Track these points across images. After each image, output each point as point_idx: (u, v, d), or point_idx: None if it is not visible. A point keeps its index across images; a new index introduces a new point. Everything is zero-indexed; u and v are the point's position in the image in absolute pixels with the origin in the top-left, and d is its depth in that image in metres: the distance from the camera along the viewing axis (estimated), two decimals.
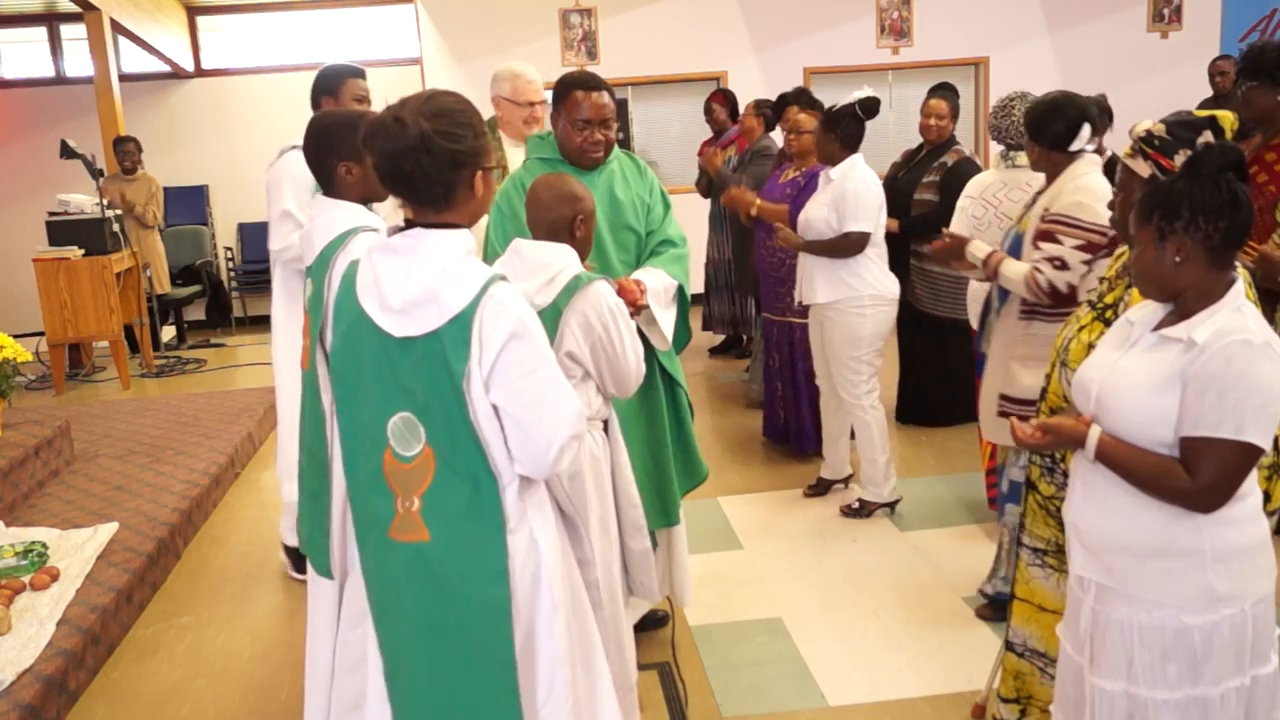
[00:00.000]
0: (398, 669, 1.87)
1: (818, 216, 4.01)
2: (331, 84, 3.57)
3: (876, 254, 3.99)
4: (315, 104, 3.58)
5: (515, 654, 1.79)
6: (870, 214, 3.93)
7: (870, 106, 3.98)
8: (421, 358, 1.73)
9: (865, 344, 3.99)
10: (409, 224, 1.80)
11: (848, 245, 3.93)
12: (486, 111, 3.82)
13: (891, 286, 4.03)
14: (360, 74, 3.63)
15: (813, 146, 4.62)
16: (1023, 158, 3.81)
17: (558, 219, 2.39)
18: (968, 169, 4.88)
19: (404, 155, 1.72)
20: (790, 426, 4.88)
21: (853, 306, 3.97)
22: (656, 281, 2.81)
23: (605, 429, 2.54)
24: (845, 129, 3.98)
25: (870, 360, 4.02)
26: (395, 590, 1.83)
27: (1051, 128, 2.89)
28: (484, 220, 3.49)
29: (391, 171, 1.75)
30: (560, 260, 2.37)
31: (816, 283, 4.03)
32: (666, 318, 2.83)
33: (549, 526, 1.87)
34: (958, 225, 3.89)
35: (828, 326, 4.06)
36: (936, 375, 5.09)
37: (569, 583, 1.92)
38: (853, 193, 3.90)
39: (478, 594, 1.78)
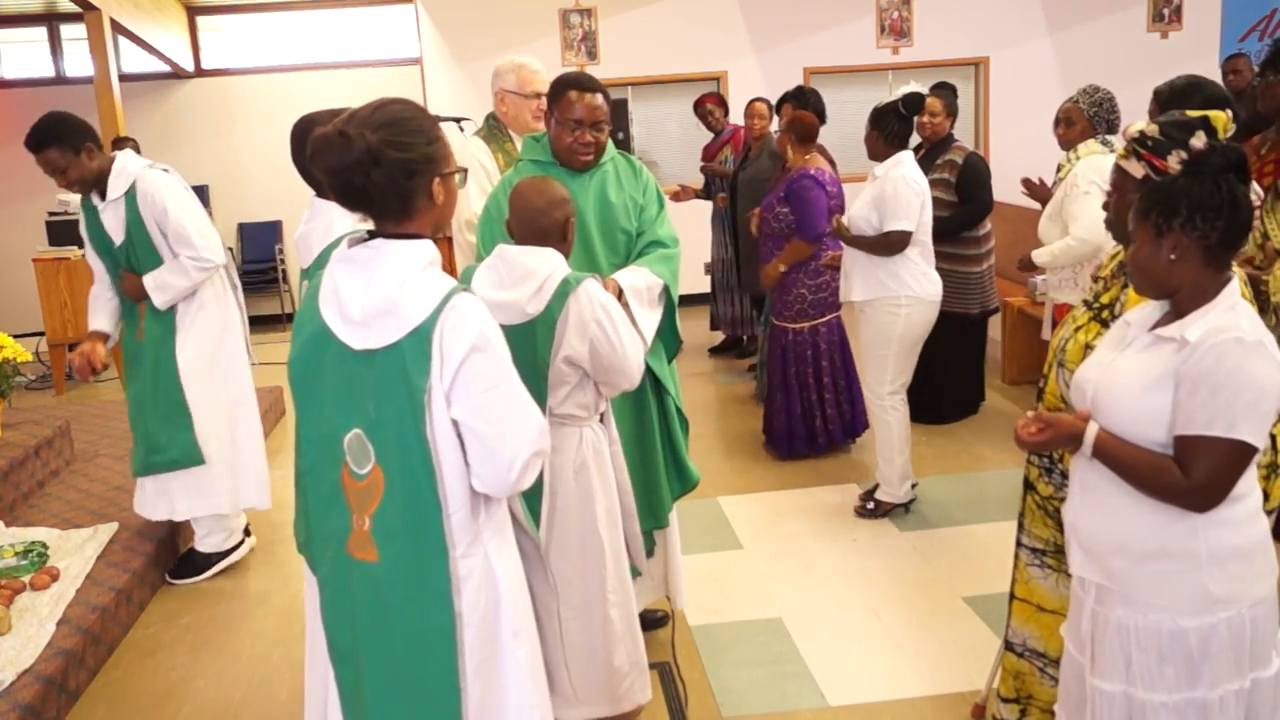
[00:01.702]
0: (347, 677, 1.85)
1: (859, 215, 3.99)
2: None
3: (918, 253, 3.95)
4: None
5: (461, 682, 1.75)
6: (911, 213, 3.89)
7: (913, 102, 3.98)
8: (381, 372, 1.69)
9: (895, 343, 3.96)
10: (371, 235, 1.75)
11: (888, 244, 3.90)
12: (483, 110, 3.77)
13: (930, 287, 3.98)
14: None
15: (782, 147, 4.65)
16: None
17: (552, 223, 2.36)
18: (980, 163, 4.90)
19: (352, 170, 1.66)
20: (780, 429, 4.87)
21: (888, 305, 3.94)
22: (639, 280, 2.78)
23: (601, 420, 2.55)
24: (890, 126, 3.96)
25: (897, 359, 3.99)
26: (351, 604, 1.81)
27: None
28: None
29: (342, 187, 1.69)
30: (547, 265, 2.35)
31: (855, 280, 4.02)
32: (648, 317, 2.79)
33: (507, 551, 1.84)
34: (1090, 208, 3.71)
35: (862, 323, 4.05)
36: (940, 372, 5.09)
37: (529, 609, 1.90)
38: (893, 192, 3.87)
39: (421, 618, 1.74)
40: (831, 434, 4.85)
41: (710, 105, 6.59)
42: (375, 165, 1.66)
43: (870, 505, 4.15)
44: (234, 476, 3.84)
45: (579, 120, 2.76)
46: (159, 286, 3.67)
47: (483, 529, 1.78)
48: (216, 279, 3.81)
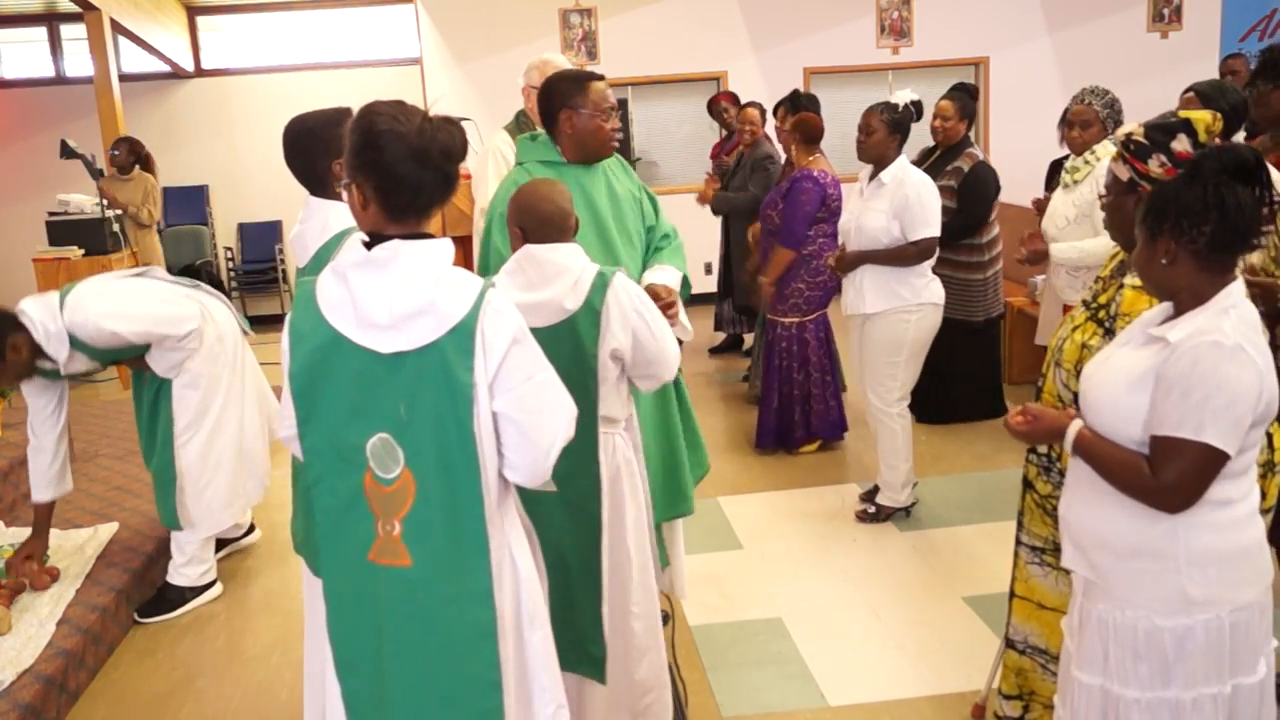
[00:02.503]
0: (360, 690, 1.83)
1: (876, 225, 3.87)
2: None
3: (929, 260, 3.91)
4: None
5: (500, 676, 1.76)
6: (937, 219, 3.86)
7: (920, 109, 3.98)
8: (414, 373, 1.67)
9: (906, 349, 3.92)
10: (375, 237, 1.71)
11: (916, 253, 3.83)
12: (498, 109, 3.82)
13: (938, 291, 3.94)
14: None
15: (786, 146, 4.66)
16: None
17: (573, 222, 2.37)
18: (984, 174, 4.83)
19: (454, 157, 1.71)
20: (766, 425, 4.88)
21: (900, 314, 3.88)
22: (674, 279, 2.82)
23: (625, 425, 2.54)
24: (905, 131, 3.91)
25: (907, 366, 3.96)
26: (372, 613, 1.78)
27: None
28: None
29: (445, 175, 1.70)
30: (578, 261, 2.33)
31: (867, 292, 3.91)
32: (681, 310, 2.84)
33: (523, 541, 1.86)
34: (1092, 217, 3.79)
35: (870, 331, 3.96)
36: (942, 374, 5.09)
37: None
38: (917, 199, 3.81)
39: (462, 617, 1.74)
40: (813, 431, 4.86)
41: (724, 103, 6.57)
42: (460, 155, 1.73)
43: (872, 510, 4.13)
44: (234, 495, 3.76)
45: (612, 107, 2.80)
46: (169, 368, 3.55)
47: (504, 520, 1.80)
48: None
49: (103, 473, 4.73)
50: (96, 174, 6.88)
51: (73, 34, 8.89)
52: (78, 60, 8.97)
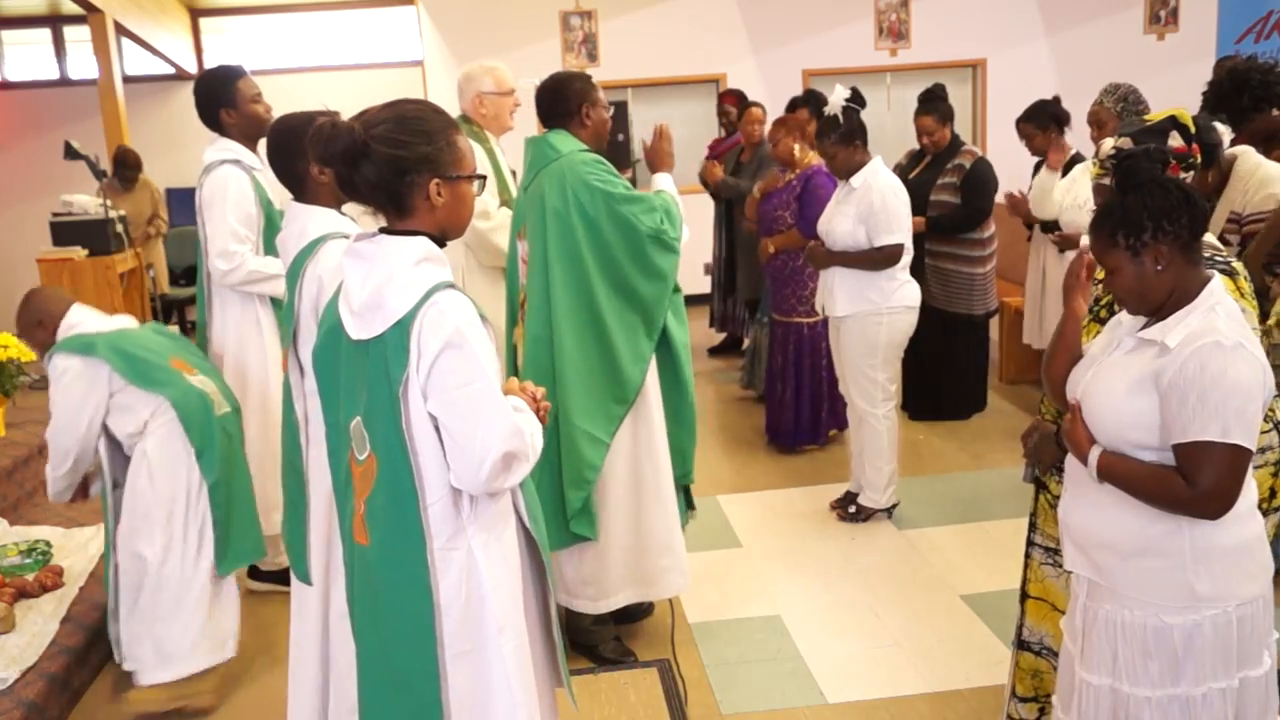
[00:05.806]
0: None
1: (843, 230, 3.90)
2: (223, 92, 3.48)
3: (902, 263, 3.91)
4: (213, 120, 3.50)
5: (440, 670, 1.78)
6: (903, 225, 3.86)
7: (860, 96, 3.98)
8: (371, 362, 1.75)
9: (881, 352, 3.93)
10: (382, 230, 1.81)
11: (881, 259, 3.85)
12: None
13: (912, 293, 3.95)
14: (244, 73, 3.55)
15: (788, 152, 4.67)
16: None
17: None
18: (985, 169, 4.90)
19: (337, 161, 1.73)
20: (787, 424, 4.91)
21: (869, 316, 3.90)
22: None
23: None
24: (861, 131, 3.91)
25: (885, 367, 3.97)
26: (351, 584, 1.91)
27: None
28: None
29: (336, 178, 1.77)
30: None
31: (837, 295, 3.94)
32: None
33: (495, 546, 1.81)
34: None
35: (845, 335, 3.99)
36: (945, 371, 5.12)
37: (525, 606, 1.88)
38: (881, 205, 3.82)
39: (403, 605, 1.78)
40: (839, 420, 4.87)
41: (726, 105, 6.56)
42: (364, 159, 1.71)
43: (852, 509, 4.14)
44: None
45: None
46: None
47: (467, 523, 1.78)
48: None
49: None
50: (100, 175, 6.90)
51: (76, 36, 8.92)
52: (81, 62, 9.00)
